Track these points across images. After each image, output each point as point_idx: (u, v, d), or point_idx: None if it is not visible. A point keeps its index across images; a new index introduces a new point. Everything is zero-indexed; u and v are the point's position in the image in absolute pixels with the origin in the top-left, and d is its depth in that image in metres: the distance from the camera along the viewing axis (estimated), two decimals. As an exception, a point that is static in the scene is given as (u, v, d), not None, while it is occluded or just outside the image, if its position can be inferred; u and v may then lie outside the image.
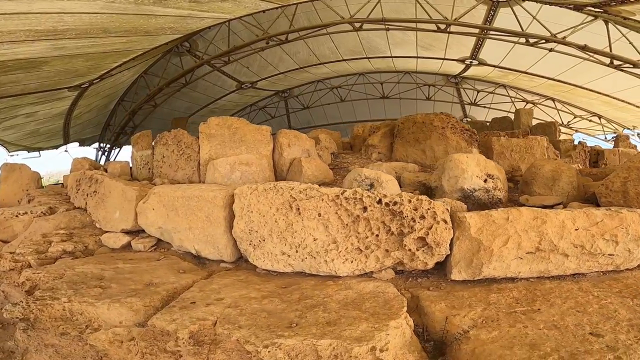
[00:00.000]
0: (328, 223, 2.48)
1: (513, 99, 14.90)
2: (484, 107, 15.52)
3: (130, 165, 6.11)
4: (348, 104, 17.05)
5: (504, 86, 14.59)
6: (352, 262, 2.48)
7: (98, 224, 4.11)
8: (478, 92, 15.14)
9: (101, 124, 14.35)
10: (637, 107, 11.92)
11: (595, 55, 8.98)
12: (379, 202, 2.44)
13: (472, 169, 3.17)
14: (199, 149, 4.75)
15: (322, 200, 2.48)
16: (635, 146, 11.21)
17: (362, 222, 2.46)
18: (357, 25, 9.96)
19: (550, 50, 9.76)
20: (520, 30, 9.08)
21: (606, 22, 8.46)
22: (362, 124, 8.44)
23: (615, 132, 14.11)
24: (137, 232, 3.77)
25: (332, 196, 2.48)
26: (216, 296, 2.35)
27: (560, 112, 14.69)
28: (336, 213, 2.47)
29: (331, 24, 9.94)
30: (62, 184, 8.39)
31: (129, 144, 16.77)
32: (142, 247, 3.54)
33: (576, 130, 15.18)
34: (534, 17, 8.76)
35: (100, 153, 15.29)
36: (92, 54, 7.49)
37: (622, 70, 9.36)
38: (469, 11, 9.01)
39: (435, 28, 9.62)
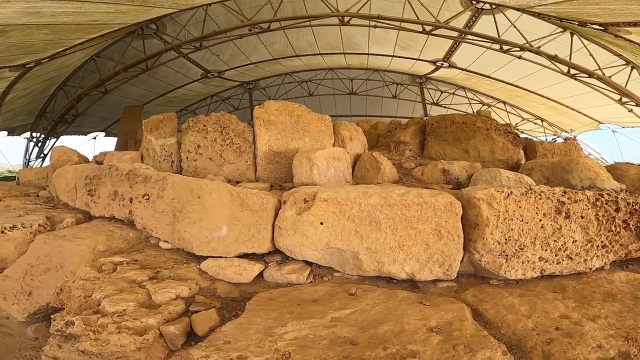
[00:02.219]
0: (589, 224, 2.63)
1: (471, 100, 15.99)
2: (445, 107, 16.39)
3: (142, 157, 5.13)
4: (315, 98, 16.78)
5: (464, 88, 15.57)
6: (599, 258, 2.67)
7: (168, 244, 3.11)
8: (441, 92, 15.95)
9: (36, 110, 12.19)
10: (578, 112, 13.56)
11: (556, 64, 9.94)
12: (628, 203, 2.68)
13: (603, 172, 3.29)
14: (254, 139, 4.05)
15: (583, 203, 2.62)
16: (581, 148, 12.76)
17: (613, 222, 2.70)
18: (346, 19, 9.75)
19: (519, 57, 10.56)
20: (497, 36, 9.70)
21: (572, 34, 9.39)
22: (367, 119, 8.29)
23: (555, 135, 15.95)
24: (261, 255, 2.85)
25: (592, 199, 2.66)
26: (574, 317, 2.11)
27: (509, 114, 16.14)
28: (596, 215, 2.64)
29: (322, 16, 9.58)
30: (17, 179, 6.89)
31: (70, 134, 14.54)
32: (299, 279, 2.60)
33: (522, 132, 16.81)
34: (512, 24, 9.35)
35: (32, 144, 13.01)
36: (63, 24, 6.22)
37: (576, 79, 10.50)
38: (457, 16, 9.33)
39: (421, 29, 9.85)
